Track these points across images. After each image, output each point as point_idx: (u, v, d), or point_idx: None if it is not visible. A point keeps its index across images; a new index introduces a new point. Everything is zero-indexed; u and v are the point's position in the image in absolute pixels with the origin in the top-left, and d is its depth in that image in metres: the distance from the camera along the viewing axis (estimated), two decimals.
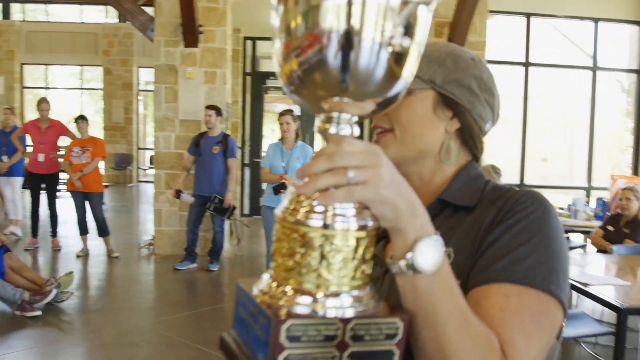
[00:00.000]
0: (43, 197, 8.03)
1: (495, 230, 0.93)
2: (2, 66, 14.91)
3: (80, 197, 7.60)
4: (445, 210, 1.04)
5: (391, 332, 0.73)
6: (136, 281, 6.95)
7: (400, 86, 0.77)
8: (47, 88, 17.68)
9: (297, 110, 6.39)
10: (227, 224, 7.84)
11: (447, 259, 0.78)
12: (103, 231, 7.74)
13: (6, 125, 8.56)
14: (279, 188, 5.68)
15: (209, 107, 7.15)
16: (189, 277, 7.05)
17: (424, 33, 0.76)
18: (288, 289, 0.73)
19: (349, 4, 0.69)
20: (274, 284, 0.75)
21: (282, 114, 6.02)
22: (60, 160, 8.00)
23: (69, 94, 18.71)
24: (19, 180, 8.61)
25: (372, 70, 0.72)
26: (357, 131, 0.77)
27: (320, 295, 0.73)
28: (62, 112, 16.65)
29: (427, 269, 0.74)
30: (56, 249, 8.01)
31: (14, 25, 15.22)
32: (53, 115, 8.15)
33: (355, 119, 0.77)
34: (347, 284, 0.74)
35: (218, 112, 7.12)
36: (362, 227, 0.73)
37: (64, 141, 8.17)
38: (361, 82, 0.73)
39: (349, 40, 0.70)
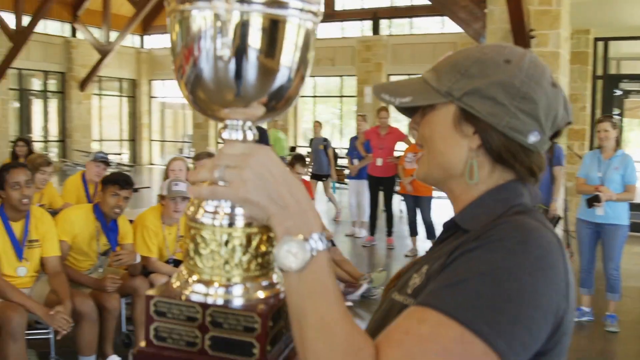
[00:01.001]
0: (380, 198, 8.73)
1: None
2: (372, 78, 16.49)
3: (411, 201, 8.10)
4: (457, 232, 0.96)
5: (249, 325, 0.78)
6: None
7: (281, 78, 0.79)
8: None
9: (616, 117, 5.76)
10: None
11: (325, 261, 0.76)
12: (431, 234, 8.07)
13: (358, 131, 9.51)
14: (593, 200, 5.20)
15: None
16: None
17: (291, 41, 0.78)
18: (193, 278, 0.83)
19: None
20: (184, 273, 0.86)
21: (599, 120, 5.48)
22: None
23: None
24: (366, 183, 9.27)
25: (244, 74, 0.77)
26: (250, 135, 0.82)
27: (214, 285, 0.81)
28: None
29: (286, 267, 0.75)
30: (390, 248, 8.63)
31: (381, 39, 16.80)
32: (393, 122, 8.79)
33: (249, 124, 0.83)
34: (239, 274, 0.81)
35: None
36: (246, 225, 0.81)
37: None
38: (244, 87, 0.78)
39: (212, 50, 0.77)
